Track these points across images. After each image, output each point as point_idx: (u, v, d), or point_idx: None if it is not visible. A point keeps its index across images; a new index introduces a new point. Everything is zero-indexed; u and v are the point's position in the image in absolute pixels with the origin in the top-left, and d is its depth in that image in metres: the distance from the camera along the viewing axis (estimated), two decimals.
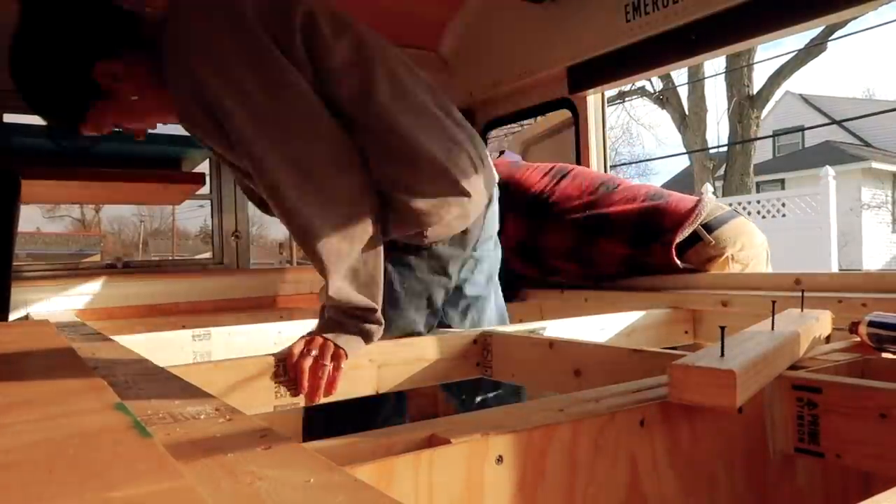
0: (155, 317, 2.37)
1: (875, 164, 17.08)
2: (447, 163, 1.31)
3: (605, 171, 2.67)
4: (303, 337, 1.22)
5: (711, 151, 15.20)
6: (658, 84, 14.87)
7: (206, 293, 2.64)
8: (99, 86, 1.28)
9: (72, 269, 2.79)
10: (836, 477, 0.92)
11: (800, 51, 12.03)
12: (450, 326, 1.57)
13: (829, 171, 12.44)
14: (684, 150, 15.23)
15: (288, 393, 1.23)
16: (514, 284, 2.32)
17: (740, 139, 13.14)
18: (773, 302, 1.03)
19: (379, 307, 1.25)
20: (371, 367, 1.37)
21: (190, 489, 0.36)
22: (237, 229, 2.91)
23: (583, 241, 2.12)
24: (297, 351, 1.17)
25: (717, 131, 29.49)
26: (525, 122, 3.57)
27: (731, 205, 2.45)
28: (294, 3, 1.27)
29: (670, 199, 2.07)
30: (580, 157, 2.65)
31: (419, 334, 1.47)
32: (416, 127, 1.30)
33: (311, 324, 2.11)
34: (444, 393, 1.95)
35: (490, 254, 1.60)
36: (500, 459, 0.65)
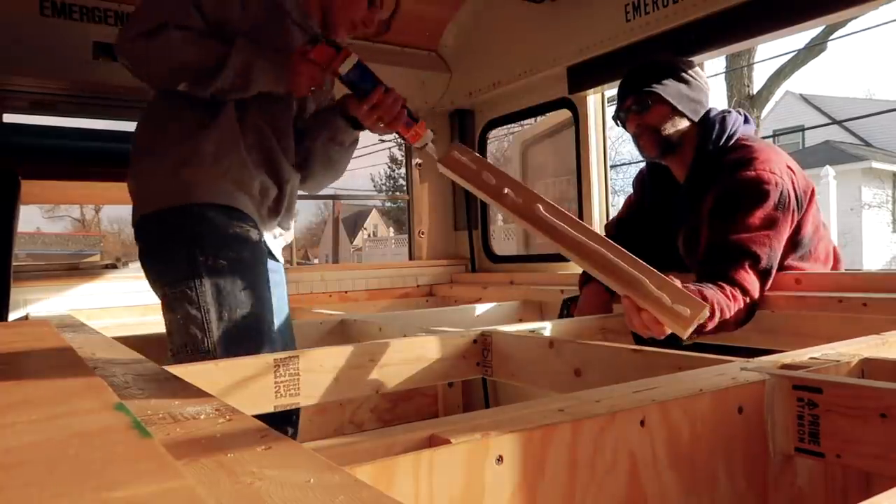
0: (155, 317, 2.37)
1: (875, 164, 17.05)
2: None
3: (606, 170, 2.67)
4: None
5: None
6: None
7: None
8: None
9: (72, 269, 2.79)
10: (836, 477, 0.92)
11: (800, 50, 12.02)
12: None
13: (830, 170, 12.43)
14: None
15: (288, 393, 1.23)
16: None
17: None
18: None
19: None
20: (371, 366, 1.37)
21: (190, 489, 0.36)
22: None
23: None
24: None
25: None
26: (525, 122, 3.57)
27: None
28: None
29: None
30: (580, 157, 2.65)
31: None
32: None
33: (315, 324, 2.11)
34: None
35: None
36: (500, 459, 0.65)
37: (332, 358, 1.33)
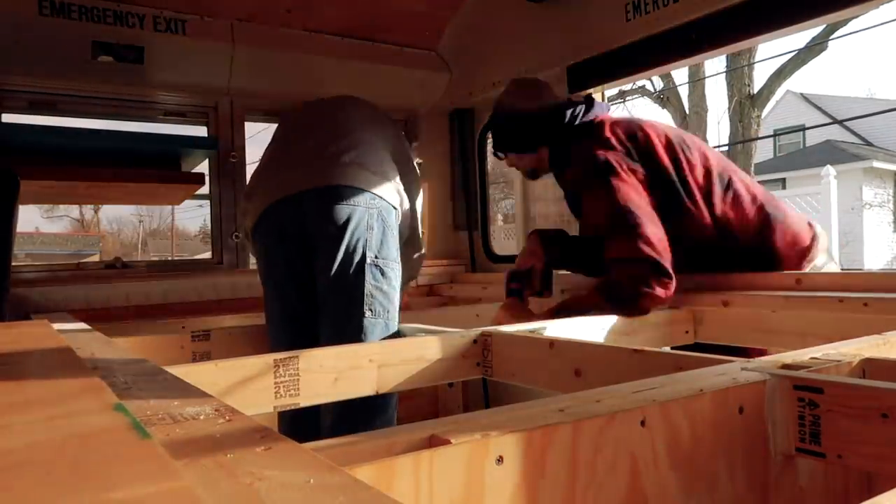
0: (154, 317, 2.37)
1: (876, 164, 17.01)
2: None
3: None
4: None
5: None
6: (659, 83, 14.85)
7: (205, 293, 2.64)
8: None
9: (71, 269, 2.79)
10: (837, 477, 0.92)
11: (801, 50, 12.01)
12: None
13: (830, 170, 12.42)
14: None
15: (288, 393, 1.23)
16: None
17: (741, 139, 13.13)
18: None
19: None
20: (371, 367, 1.37)
21: (189, 490, 0.36)
22: (237, 229, 2.90)
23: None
24: None
25: (718, 131, 29.45)
26: None
27: None
28: None
29: (786, 220, 1.97)
30: None
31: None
32: None
33: None
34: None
35: None
36: (500, 460, 0.65)
37: (332, 358, 1.33)
